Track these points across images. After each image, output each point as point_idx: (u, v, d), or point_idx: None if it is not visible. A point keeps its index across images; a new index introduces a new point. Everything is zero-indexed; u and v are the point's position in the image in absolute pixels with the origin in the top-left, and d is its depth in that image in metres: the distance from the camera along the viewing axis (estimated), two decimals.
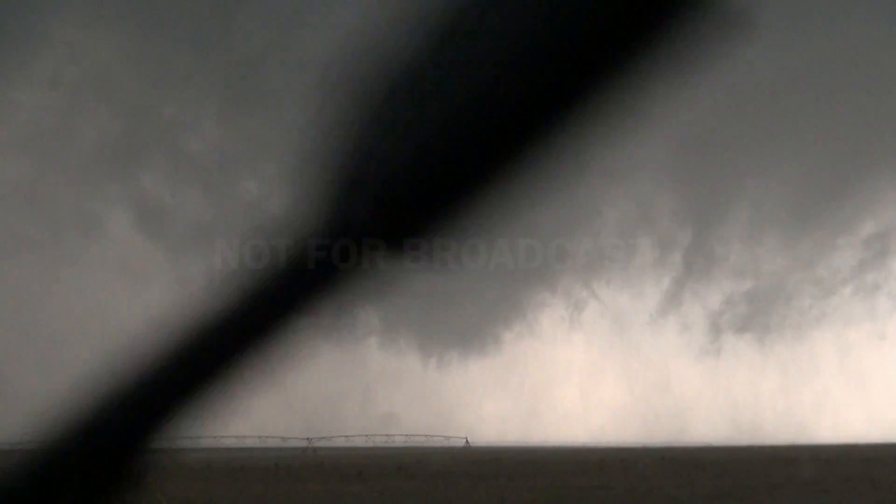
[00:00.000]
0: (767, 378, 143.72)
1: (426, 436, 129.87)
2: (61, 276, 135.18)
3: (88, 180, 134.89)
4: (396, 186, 0.90)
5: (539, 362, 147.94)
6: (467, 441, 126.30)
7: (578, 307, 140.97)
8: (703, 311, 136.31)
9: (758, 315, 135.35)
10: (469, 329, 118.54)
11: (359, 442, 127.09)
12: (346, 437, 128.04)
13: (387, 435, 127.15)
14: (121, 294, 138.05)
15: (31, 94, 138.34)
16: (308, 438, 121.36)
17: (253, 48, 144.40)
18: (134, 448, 1.12)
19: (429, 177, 0.89)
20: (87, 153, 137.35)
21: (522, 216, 0.92)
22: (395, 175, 0.90)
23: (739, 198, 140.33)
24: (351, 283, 0.99)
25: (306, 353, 1.13)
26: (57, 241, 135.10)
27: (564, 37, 0.82)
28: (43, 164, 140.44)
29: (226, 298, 1.03)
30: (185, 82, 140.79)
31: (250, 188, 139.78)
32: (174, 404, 1.13)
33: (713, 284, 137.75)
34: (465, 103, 0.86)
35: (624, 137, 0.88)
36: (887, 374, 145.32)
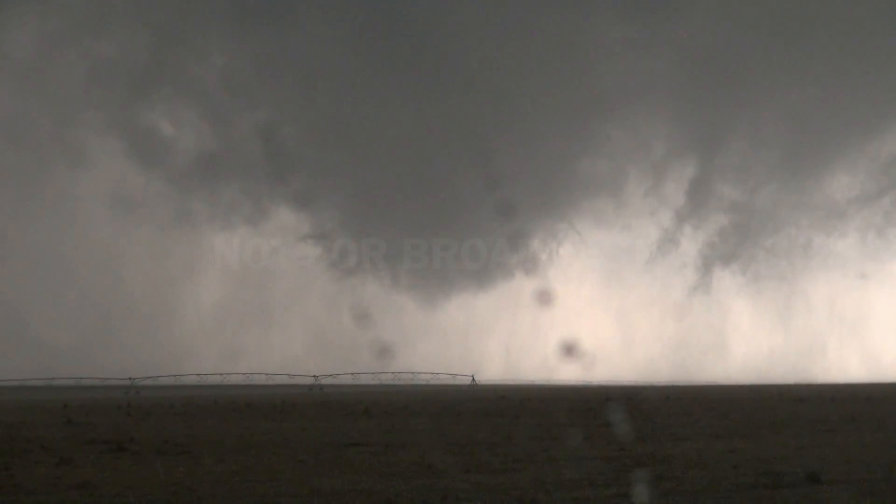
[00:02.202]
0: (760, 316, 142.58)
1: (432, 373, 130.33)
2: (47, 210, 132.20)
3: (77, 108, 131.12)
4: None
5: (542, 298, 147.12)
6: (473, 379, 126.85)
7: (575, 242, 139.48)
8: (699, 246, 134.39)
9: (750, 249, 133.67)
10: (472, 264, 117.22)
11: (365, 380, 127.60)
12: (352, 374, 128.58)
13: (393, 373, 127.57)
14: (115, 228, 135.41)
15: (24, 20, 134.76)
16: (315, 376, 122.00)
17: None
18: None
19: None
20: (76, 79, 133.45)
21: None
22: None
23: (738, 127, 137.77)
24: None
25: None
26: (41, 172, 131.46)
27: None
28: (26, 91, 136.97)
29: None
30: None
31: (261, 115, 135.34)
32: None
33: (709, 218, 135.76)
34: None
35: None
36: (873, 314, 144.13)
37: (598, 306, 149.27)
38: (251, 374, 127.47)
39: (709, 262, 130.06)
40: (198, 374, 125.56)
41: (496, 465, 19.89)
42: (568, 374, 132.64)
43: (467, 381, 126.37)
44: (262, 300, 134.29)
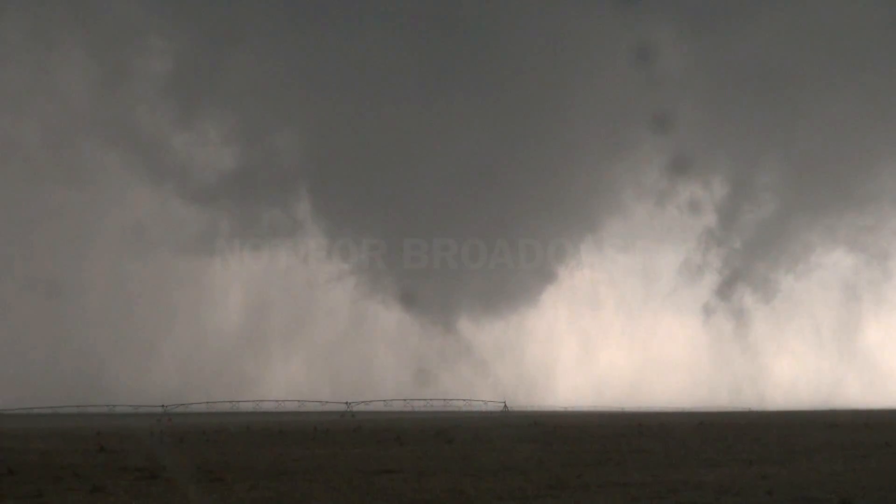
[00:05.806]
0: (772, 339, 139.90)
1: (464, 400, 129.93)
2: (44, 236, 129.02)
3: (73, 124, 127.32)
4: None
5: (573, 322, 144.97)
6: (505, 405, 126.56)
7: (598, 266, 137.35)
8: (717, 269, 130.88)
9: (762, 271, 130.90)
10: (497, 287, 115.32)
11: (397, 406, 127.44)
12: (384, 401, 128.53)
13: (425, 399, 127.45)
14: (123, 254, 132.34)
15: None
16: (347, 403, 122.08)
17: None
18: None
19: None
20: (73, 93, 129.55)
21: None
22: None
23: (772, 145, 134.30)
24: None
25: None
26: (36, 193, 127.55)
27: None
28: (20, 111, 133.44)
29: None
30: None
31: (293, 129, 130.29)
32: None
33: (733, 238, 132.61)
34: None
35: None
36: (867, 338, 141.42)
37: (627, 330, 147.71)
38: (283, 400, 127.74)
39: (734, 284, 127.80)
40: (230, 401, 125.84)
41: (529, 491, 19.86)
42: (600, 400, 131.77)
43: (499, 407, 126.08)
44: (293, 324, 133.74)
